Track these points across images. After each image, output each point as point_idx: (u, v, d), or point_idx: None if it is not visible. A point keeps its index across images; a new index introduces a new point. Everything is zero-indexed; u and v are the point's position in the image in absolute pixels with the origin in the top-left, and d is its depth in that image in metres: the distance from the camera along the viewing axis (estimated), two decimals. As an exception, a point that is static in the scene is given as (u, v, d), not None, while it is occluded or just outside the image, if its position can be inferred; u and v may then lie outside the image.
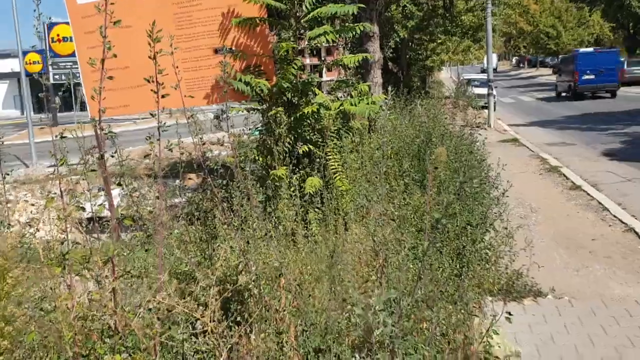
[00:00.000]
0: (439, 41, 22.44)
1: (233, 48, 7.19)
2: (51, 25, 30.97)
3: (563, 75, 31.15)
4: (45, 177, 13.81)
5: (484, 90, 21.75)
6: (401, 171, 6.61)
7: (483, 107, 21.56)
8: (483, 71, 42.38)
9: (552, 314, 4.67)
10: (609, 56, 29.04)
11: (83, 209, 9.56)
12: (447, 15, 20.07)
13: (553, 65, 54.49)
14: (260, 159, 6.82)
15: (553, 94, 32.62)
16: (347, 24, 6.74)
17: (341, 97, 7.57)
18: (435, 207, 5.18)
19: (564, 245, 6.68)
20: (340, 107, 6.62)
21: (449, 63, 40.79)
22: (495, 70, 74.16)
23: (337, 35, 6.75)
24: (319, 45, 7.00)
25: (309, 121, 6.72)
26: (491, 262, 5.05)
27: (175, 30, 7.34)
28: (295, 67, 6.60)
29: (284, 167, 6.59)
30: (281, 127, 6.50)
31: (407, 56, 22.93)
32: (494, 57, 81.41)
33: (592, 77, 27.93)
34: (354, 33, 6.71)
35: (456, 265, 4.69)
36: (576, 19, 55.72)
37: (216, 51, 7.24)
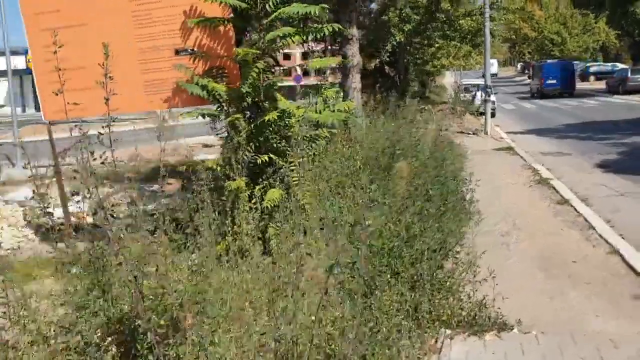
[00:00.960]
0: (436, 45, 21.91)
1: (195, 49, 6.73)
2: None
3: (535, 79, 38.67)
4: (27, 179, 13.36)
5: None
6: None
7: (481, 114, 21.05)
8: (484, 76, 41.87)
9: (515, 352, 4.16)
10: (568, 66, 36.88)
11: (50, 214, 8.71)
12: (445, 19, 19.56)
13: None
14: (218, 168, 6.34)
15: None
16: (315, 26, 6.22)
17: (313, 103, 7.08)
18: (394, 229, 4.68)
19: (542, 267, 6.16)
20: (304, 115, 6.13)
21: (454, 68, 40.21)
22: (495, 75, 73.60)
23: (304, 38, 6.26)
24: (281, 48, 6.51)
25: (271, 129, 6.23)
26: (451, 292, 4.55)
27: (134, 29, 6.90)
28: (257, 71, 6.12)
29: (243, 178, 6.12)
30: (240, 134, 6.03)
31: (405, 60, 22.43)
32: (495, 63, 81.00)
33: (555, 81, 35.33)
34: (321, 35, 6.22)
35: (410, 296, 4.18)
36: (581, 25, 55.01)
37: (177, 52, 6.78)
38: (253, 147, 6.26)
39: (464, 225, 6.96)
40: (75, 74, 6.87)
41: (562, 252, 6.63)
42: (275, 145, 6.47)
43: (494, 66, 79.93)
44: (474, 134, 19.24)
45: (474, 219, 7.52)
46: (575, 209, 8.44)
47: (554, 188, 9.95)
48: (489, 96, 19.30)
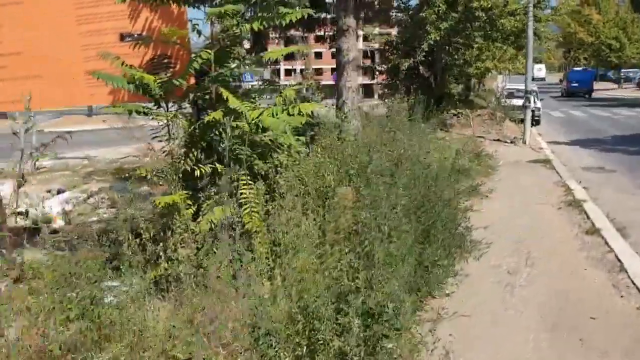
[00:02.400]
0: (476, 46, 20.23)
1: (143, 33, 5.61)
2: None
3: (564, 82, 49.55)
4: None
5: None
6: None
7: (522, 121, 19.33)
8: (533, 80, 40.03)
9: None
10: (588, 73, 48.19)
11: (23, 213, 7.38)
12: (486, 18, 17.92)
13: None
14: (154, 178, 5.20)
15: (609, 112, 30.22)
16: (283, 11, 4.99)
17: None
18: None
19: (549, 324, 4.77)
20: (259, 117, 4.91)
21: (507, 72, 38.07)
22: (542, 80, 70.48)
23: (262, 24, 5.03)
24: (237, 37, 5.29)
25: (217, 133, 5.05)
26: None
27: (74, 10, 5.81)
28: (200, 60, 4.94)
29: (181, 192, 4.98)
30: (178, 138, 4.87)
31: (443, 61, 20.87)
32: (542, 68, 77.59)
33: (577, 84, 45.64)
34: (283, 22, 4.98)
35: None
36: (643, 31, 51.65)
37: (122, 37, 5.66)
38: (196, 154, 5.10)
39: (454, 261, 5.64)
40: (10, 60, 5.90)
41: (580, 302, 5.21)
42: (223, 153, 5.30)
43: (541, 71, 76.95)
44: (511, 142, 17.59)
45: (474, 252, 6.17)
46: (607, 242, 6.92)
47: (586, 212, 8.40)
48: (530, 102, 17.60)
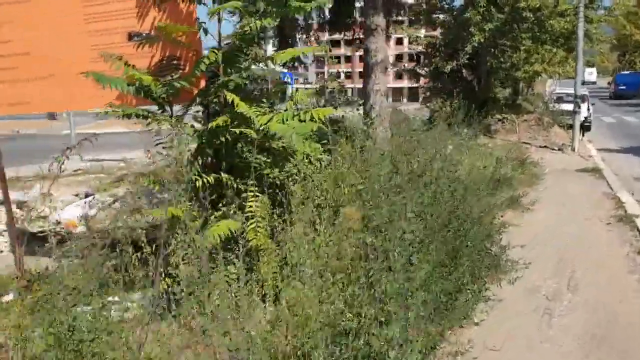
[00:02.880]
0: (523, 48, 19.30)
1: (152, 33, 5.25)
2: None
3: (612, 85, 49.99)
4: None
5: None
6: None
7: (571, 126, 18.33)
8: (583, 84, 38.83)
9: None
10: (637, 76, 47.79)
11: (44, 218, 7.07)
12: (534, 19, 17.05)
13: None
14: (156, 187, 4.83)
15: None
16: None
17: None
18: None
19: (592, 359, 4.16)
20: (267, 124, 4.45)
21: (557, 76, 36.60)
22: (593, 83, 67.90)
23: (274, 18, 4.59)
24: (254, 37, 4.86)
25: (224, 140, 4.63)
26: None
27: (83, 7, 5.49)
28: (207, 62, 4.53)
29: (186, 204, 4.58)
30: (180, 144, 4.47)
31: (488, 64, 20.04)
32: (593, 71, 74.92)
33: (624, 87, 46.16)
34: (298, 16, 4.54)
35: None
36: None
37: (130, 37, 5.31)
38: (202, 162, 4.69)
39: (484, 285, 5.06)
40: (17, 61, 5.63)
41: (628, 335, 4.56)
42: (236, 161, 4.88)
43: (592, 75, 74.23)
44: (559, 149, 16.69)
45: (510, 274, 5.57)
46: (662, 265, 6.21)
47: (638, 229, 7.64)
48: (579, 107, 16.66)
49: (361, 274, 3.22)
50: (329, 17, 8.72)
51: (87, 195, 10.63)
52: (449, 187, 4.97)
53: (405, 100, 69.01)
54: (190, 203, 4.73)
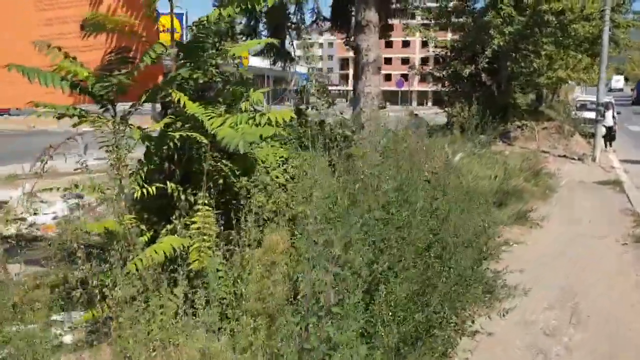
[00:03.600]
0: (543, 53, 18.37)
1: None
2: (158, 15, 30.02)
3: (634, 92, 52.22)
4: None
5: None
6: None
7: (593, 135, 17.40)
8: (610, 91, 37.74)
9: None
10: None
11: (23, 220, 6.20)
12: (557, 22, 16.17)
13: None
14: (95, 196, 4.27)
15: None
16: None
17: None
18: None
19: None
20: (220, 127, 3.83)
21: (582, 82, 35.34)
22: (620, 90, 65.99)
23: (237, 7, 3.98)
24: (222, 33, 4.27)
25: (171, 144, 4.03)
26: None
27: (32, -7, 4.95)
28: (153, 55, 3.94)
29: (127, 216, 4.03)
30: (119, 149, 3.90)
31: (509, 69, 19.16)
32: (621, 79, 72.97)
33: None
34: (260, 6, 3.91)
35: None
36: None
37: (83, 27, 4.73)
38: (148, 169, 4.11)
39: (472, 315, 4.39)
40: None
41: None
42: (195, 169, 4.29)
43: (619, 82, 72.21)
44: (579, 159, 15.80)
45: (505, 302, 4.87)
46: (681, 297, 5.44)
47: (657, 253, 6.87)
48: (602, 116, 15.76)
49: (289, 319, 2.56)
50: (329, 15, 8.11)
51: (78, 197, 10.13)
52: (430, 206, 4.29)
53: (430, 104, 67.96)
54: (133, 216, 4.17)
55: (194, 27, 4.34)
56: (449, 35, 22.99)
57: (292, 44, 7.21)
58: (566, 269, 6.23)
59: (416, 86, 57.40)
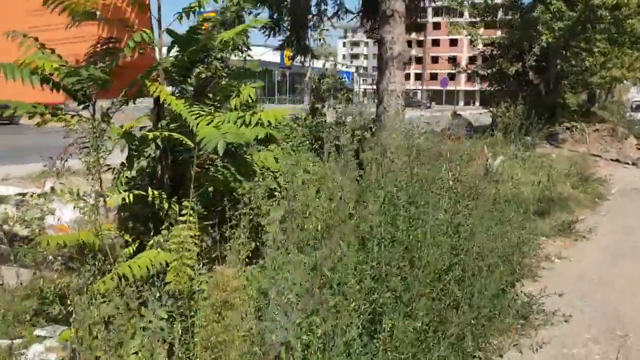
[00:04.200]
0: (596, 50, 17.24)
1: (97, 13, 4.22)
2: (200, 13, 29.83)
3: None
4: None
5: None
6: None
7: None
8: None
9: None
10: None
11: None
12: (611, 18, 15.10)
13: None
14: (69, 201, 3.82)
15: None
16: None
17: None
18: None
19: None
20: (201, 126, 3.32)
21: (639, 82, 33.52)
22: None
23: None
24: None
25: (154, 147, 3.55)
26: None
27: (18, -20, 4.55)
28: (132, 44, 3.46)
29: (106, 225, 3.59)
30: (95, 150, 3.44)
31: (558, 67, 18.13)
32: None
33: None
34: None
35: None
36: None
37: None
38: (129, 174, 3.64)
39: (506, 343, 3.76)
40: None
41: None
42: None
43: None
44: (633, 164, 14.73)
45: (540, 329, 4.21)
46: None
47: None
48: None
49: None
50: (359, 6, 7.50)
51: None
52: (451, 222, 3.67)
53: (477, 103, 66.40)
54: (113, 225, 3.72)
55: (185, 16, 3.84)
56: (498, 33, 22.02)
57: (310, 38, 6.65)
58: (615, 291, 5.48)
59: (463, 85, 56.04)
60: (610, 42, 16.77)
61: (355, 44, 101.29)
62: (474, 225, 3.91)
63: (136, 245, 3.83)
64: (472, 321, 3.42)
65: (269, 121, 3.22)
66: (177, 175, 3.97)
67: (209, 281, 2.76)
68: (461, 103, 67.97)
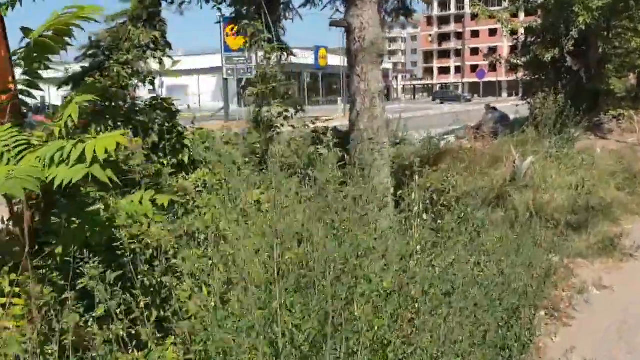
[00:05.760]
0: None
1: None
2: (226, 19, 29.10)
3: None
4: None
5: None
6: None
7: None
8: None
9: None
10: None
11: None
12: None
13: None
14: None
15: None
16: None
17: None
18: None
19: None
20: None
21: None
22: None
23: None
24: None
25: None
26: None
27: None
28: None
29: None
30: None
31: (600, 50, 16.48)
32: None
33: None
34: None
35: None
36: None
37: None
38: None
39: None
40: None
41: None
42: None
43: None
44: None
45: None
46: None
47: None
48: None
49: None
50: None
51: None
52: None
53: (505, 95, 63.63)
54: None
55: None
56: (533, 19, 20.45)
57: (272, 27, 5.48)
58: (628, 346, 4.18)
59: (504, 76, 53.69)
60: (658, 18, 15.11)
61: (393, 39, 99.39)
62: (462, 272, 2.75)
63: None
64: None
65: (94, 157, 2.12)
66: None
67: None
68: (504, 94, 65.35)
